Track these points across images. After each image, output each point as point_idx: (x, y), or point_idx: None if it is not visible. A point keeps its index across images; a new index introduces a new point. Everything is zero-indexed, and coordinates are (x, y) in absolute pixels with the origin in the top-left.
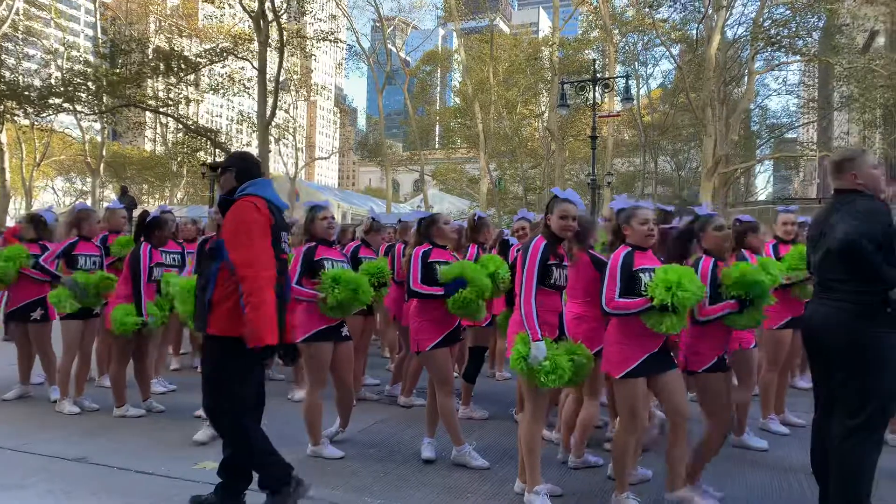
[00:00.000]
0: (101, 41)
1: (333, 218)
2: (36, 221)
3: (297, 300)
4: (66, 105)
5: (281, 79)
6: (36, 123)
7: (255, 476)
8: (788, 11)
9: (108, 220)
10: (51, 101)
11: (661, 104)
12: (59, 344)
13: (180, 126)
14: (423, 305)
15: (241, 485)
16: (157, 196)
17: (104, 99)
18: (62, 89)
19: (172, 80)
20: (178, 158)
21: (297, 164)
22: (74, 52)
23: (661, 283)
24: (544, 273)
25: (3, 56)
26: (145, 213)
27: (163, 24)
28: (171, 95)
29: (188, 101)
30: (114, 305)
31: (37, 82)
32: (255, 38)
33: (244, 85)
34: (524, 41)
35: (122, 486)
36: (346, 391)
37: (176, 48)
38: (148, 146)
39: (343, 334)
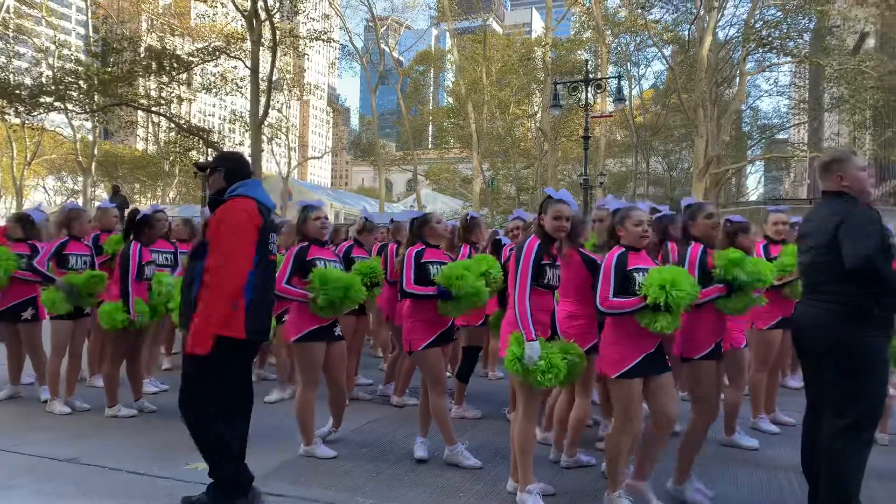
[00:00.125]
0: (92, 40)
1: (326, 218)
2: (24, 221)
3: (287, 300)
4: (57, 104)
5: (274, 78)
6: (27, 122)
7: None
8: (780, 13)
9: (100, 219)
10: (42, 100)
11: (653, 105)
12: (49, 344)
13: (172, 125)
14: (416, 305)
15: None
16: (149, 195)
17: (95, 98)
18: (53, 88)
19: (164, 78)
20: (171, 158)
21: (289, 163)
22: (66, 51)
23: (655, 283)
24: (538, 273)
25: None
26: (135, 211)
27: (155, 22)
28: (163, 94)
29: (180, 100)
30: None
31: (28, 81)
32: (248, 38)
33: (237, 84)
34: (517, 41)
35: (113, 486)
36: (339, 391)
37: (168, 47)
38: (140, 145)
39: (336, 334)
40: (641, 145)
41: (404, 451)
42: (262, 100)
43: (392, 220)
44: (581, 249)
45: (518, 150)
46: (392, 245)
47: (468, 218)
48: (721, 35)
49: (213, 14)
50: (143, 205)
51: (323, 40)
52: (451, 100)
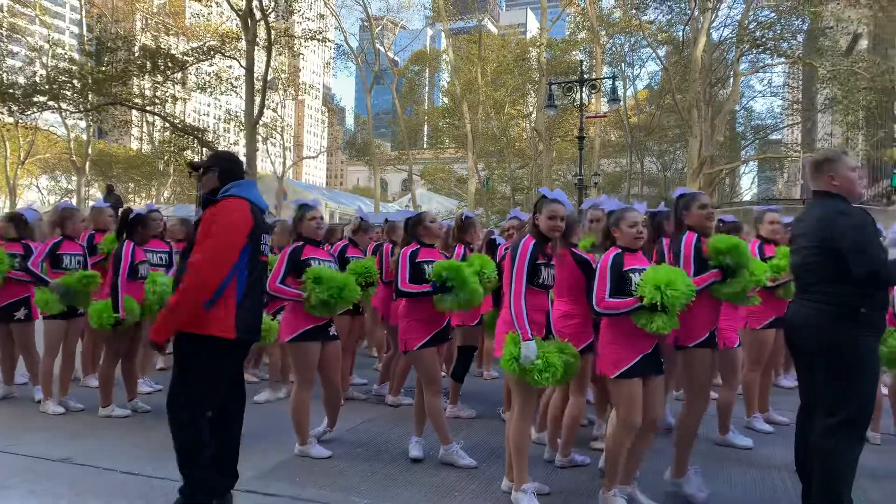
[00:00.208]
0: (86, 39)
1: (322, 218)
2: (17, 220)
3: (281, 299)
4: (51, 103)
5: (269, 78)
6: (20, 121)
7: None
8: (773, 14)
9: (95, 218)
10: (35, 99)
11: (647, 105)
12: (41, 344)
13: (167, 125)
14: (412, 305)
15: (227, 483)
16: (144, 195)
17: (90, 97)
18: (47, 87)
19: (159, 78)
20: (165, 157)
21: (284, 163)
22: (60, 50)
23: (650, 283)
24: (533, 272)
25: None
26: (128, 210)
27: (149, 21)
28: (158, 94)
29: (175, 99)
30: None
31: (21, 80)
32: (243, 37)
33: (231, 84)
34: (512, 42)
35: (107, 486)
36: (334, 391)
37: (163, 46)
38: (134, 145)
39: (331, 334)
40: (636, 145)
41: (399, 450)
42: (257, 99)
43: (386, 220)
44: (574, 249)
45: (513, 151)
46: (387, 245)
47: (463, 218)
48: (715, 36)
49: (208, 13)
50: (138, 204)
51: (318, 40)
52: (446, 100)
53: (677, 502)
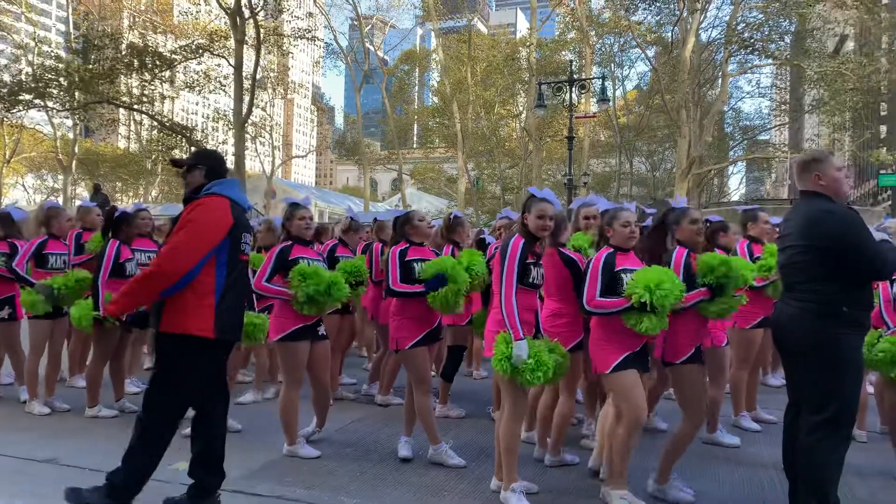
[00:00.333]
0: (73, 36)
1: (311, 218)
2: (3, 219)
3: (267, 297)
4: (37, 101)
5: (257, 76)
6: (6, 119)
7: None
8: (761, 15)
9: (82, 218)
10: (21, 97)
11: (636, 105)
12: (27, 344)
13: (155, 123)
14: (403, 304)
15: (214, 483)
16: (132, 194)
17: (76, 95)
18: (33, 85)
19: (147, 76)
20: (153, 156)
21: (273, 162)
22: (46, 47)
23: (640, 284)
24: (523, 272)
25: None
26: (113, 208)
27: (137, 19)
28: (146, 92)
29: (163, 98)
30: None
31: (6, 77)
32: (232, 35)
33: (220, 82)
34: (502, 41)
35: None
36: (323, 390)
37: (150, 44)
38: (122, 143)
39: (320, 333)
40: (625, 146)
41: (388, 450)
42: (246, 98)
43: (375, 220)
44: (562, 249)
45: (503, 150)
46: (377, 244)
47: (451, 217)
48: (704, 37)
49: (196, 11)
50: (126, 203)
51: (307, 39)
52: (436, 99)
53: (665, 501)
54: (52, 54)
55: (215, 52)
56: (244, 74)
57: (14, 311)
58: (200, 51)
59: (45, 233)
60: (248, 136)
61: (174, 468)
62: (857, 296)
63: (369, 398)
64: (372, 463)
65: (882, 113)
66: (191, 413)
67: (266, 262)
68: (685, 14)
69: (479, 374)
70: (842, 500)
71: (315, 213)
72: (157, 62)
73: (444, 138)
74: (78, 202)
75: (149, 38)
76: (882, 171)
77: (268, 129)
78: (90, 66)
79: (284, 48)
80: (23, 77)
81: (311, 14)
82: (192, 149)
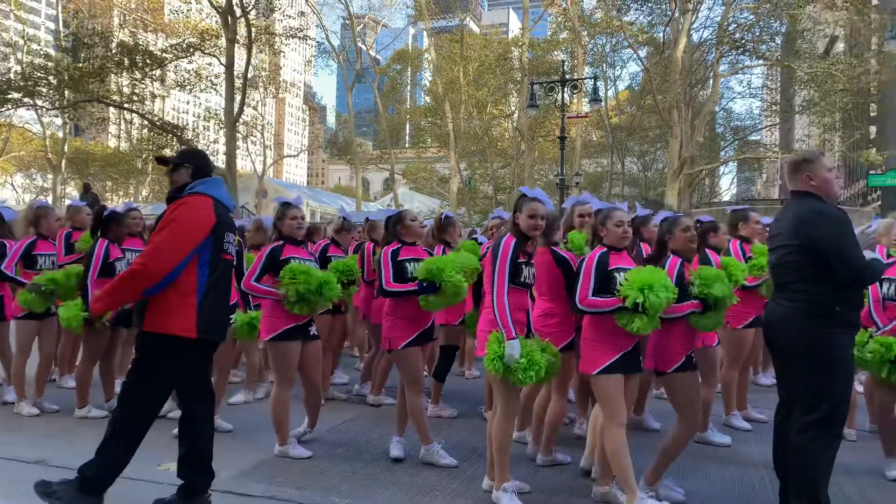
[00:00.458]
0: (62, 34)
1: (303, 218)
2: None
3: (255, 297)
4: (26, 99)
5: (249, 75)
6: None
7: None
8: (752, 16)
9: (72, 217)
10: (10, 96)
11: (628, 106)
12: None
13: (145, 122)
14: (397, 304)
15: (203, 483)
16: (122, 193)
17: (66, 93)
18: (22, 83)
19: (137, 75)
20: (143, 155)
21: (265, 161)
22: (35, 46)
23: (633, 284)
24: (514, 271)
25: None
26: (102, 207)
27: (127, 17)
28: (136, 91)
29: (153, 96)
30: None
31: None
32: (223, 34)
33: (211, 81)
34: (494, 41)
35: None
36: (314, 391)
37: (141, 43)
38: (112, 142)
39: (311, 333)
40: (617, 146)
41: (380, 450)
42: (237, 97)
43: (367, 219)
44: (554, 248)
45: (495, 150)
46: (368, 244)
47: (442, 217)
48: (695, 37)
49: (188, 10)
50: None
51: (299, 38)
52: (428, 99)
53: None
54: (42, 52)
55: (206, 51)
56: (235, 73)
57: (2, 312)
58: (191, 49)
59: (34, 233)
60: (239, 135)
61: (164, 468)
62: (848, 296)
63: (361, 398)
64: (363, 463)
65: (872, 114)
66: (178, 413)
67: (256, 262)
68: (677, 14)
69: (472, 374)
70: (831, 499)
71: (307, 212)
72: (148, 61)
73: (436, 138)
74: (68, 201)
75: (139, 36)
76: (872, 172)
77: (259, 128)
78: (80, 65)
79: (276, 47)
80: (12, 75)
81: (302, 13)
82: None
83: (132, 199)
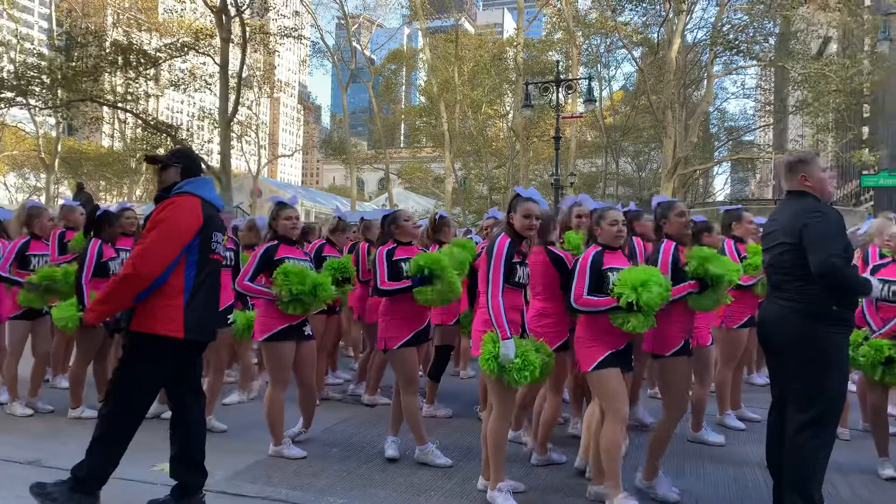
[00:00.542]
0: (56, 33)
1: (298, 218)
2: None
3: (249, 296)
4: (18, 99)
5: (243, 75)
6: None
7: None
8: (746, 17)
9: (66, 216)
10: (2, 95)
11: (622, 106)
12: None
13: (139, 122)
14: (393, 303)
15: (196, 483)
16: (115, 193)
17: (59, 93)
18: (15, 82)
19: (131, 74)
20: (137, 155)
21: (259, 161)
22: (28, 45)
23: (626, 283)
24: (509, 271)
25: None
26: (95, 207)
27: (121, 17)
28: (130, 90)
29: (147, 96)
30: None
31: None
32: (217, 34)
33: (206, 81)
34: (489, 41)
35: None
36: (309, 391)
37: (135, 42)
38: (105, 142)
39: (305, 333)
40: (611, 146)
41: (375, 450)
42: (232, 97)
43: (362, 219)
44: (550, 247)
45: (490, 150)
46: (363, 244)
47: (437, 217)
48: (689, 38)
49: (182, 9)
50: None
51: (293, 37)
52: (423, 99)
53: (647, 500)
54: (35, 51)
55: (201, 51)
56: (230, 73)
57: None
58: (186, 49)
59: (27, 233)
60: (233, 134)
61: (158, 469)
62: (844, 295)
63: (356, 398)
64: (358, 463)
65: (864, 114)
66: (169, 414)
67: (250, 262)
68: (671, 15)
69: (466, 374)
70: (825, 498)
71: (301, 212)
72: (142, 60)
73: (431, 138)
74: (61, 201)
75: (133, 35)
76: (864, 172)
77: (254, 127)
78: (73, 64)
79: (271, 47)
80: (4, 74)
81: (297, 12)
82: (189, 148)
83: (126, 198)
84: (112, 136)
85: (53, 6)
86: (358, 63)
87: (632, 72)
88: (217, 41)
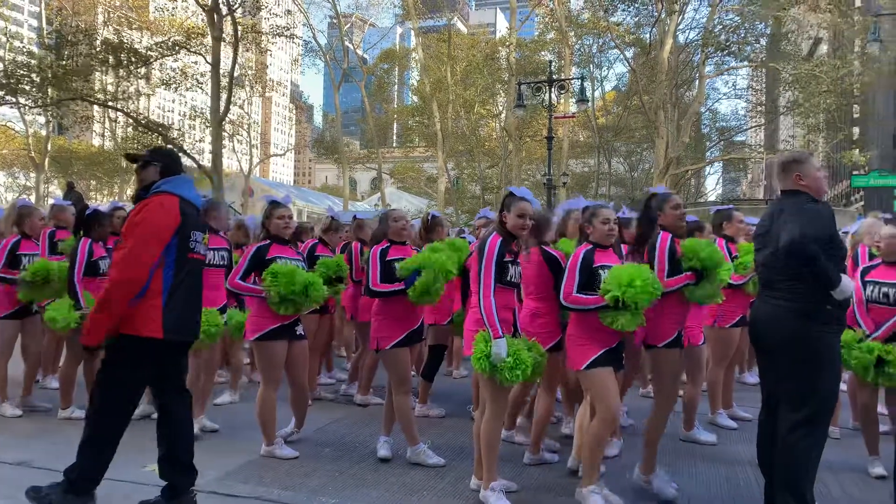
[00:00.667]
0: (46, 32)
1: (291, 217)
2: None
3: (241, 295)
4: (8, 97)
5: (235, 74)
6: None
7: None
8: (738, 18)
9: (56, 216)
10: None
11: (615, 106)
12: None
13: (130, 121)
14: (386, 303)
15: (185, 483)
16: (106, 192)
17: (49, 91)
18: (4, 81)
19: (122, 73)
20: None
21: (251, 160)
22: (17, 43)
23: (614, 281)
24: (501, 270)
25: None
26: (85, 206)
27: (111, 15)
28: (121, 89)
29: (138, 95)
30: None
31: None
32: (209, 33)
33: (197, 80)
34: (481, 41)
35: None
36: (301, 390)
37: (125, 41)
38: (96, 141)
39: (297, 333)
40: (603, 146)
41: (367, 450)
42: (224, 96)
43: (355, 218)
44: (544, 247)
45: (483, 150)
46: (356, 244)
47: (430, 217)
48: (681, 38)
49: (173, 8)
50: (101, 202)
51: (286, 36)
52: (415, 98)
53: (643, 497)
54: (25, 50)
55: (192, 49)
56: (221, 72)
57: None
58: (177, 48)
59: (18, 232)
60: (225, 134)
61: (150, 469)
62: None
63: (348, 398)
64: (351, 463)
65: (855, 115)
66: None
67: (242, 260)
68: (663, 16)
69: (459, 374)
70: (815, 497)
71: (294, 212)
72: (133, 59)
73: (423, 137)
74: (51, 200)
75: (124, 34)
76: (855, 173)
77: (245, 127)
78: (63, 63)
79: (263, 46)
80: None
81: (289, 11)
82: (169, 147)
83: (116, 197)
84: (103, 136)
85: (43, 4)
86: (350, 62)
87: (624, 72)
88: (209, 40)
